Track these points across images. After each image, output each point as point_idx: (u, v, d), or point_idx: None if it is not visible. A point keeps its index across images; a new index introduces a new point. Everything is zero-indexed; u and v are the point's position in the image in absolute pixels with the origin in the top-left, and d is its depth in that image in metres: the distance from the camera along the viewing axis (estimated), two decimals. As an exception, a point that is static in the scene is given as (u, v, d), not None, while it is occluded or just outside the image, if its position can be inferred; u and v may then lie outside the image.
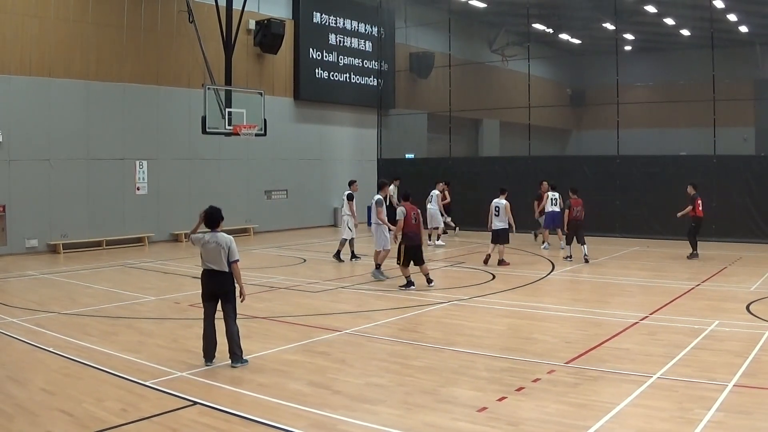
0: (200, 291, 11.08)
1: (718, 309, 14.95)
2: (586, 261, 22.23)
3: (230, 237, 10.84)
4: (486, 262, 21.81)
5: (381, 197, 20.42)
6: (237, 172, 31.95)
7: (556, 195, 25.39)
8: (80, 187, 26.57)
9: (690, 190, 22.62)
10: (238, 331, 10.78)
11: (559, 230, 24.79)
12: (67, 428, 8.18)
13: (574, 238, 22.64)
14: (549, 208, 25.42)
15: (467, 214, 30.95)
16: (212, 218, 10.98)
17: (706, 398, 8.94)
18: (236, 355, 10.69)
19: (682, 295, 16.60)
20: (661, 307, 15.05)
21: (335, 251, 23.13)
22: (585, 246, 22.49)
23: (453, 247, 26.72)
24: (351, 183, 23.81)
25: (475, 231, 30.01)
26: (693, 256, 22.34)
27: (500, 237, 21.90)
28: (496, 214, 21.94)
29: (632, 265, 21.93)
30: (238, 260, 10.84)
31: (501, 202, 22.04)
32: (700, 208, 22.42)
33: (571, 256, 22.78)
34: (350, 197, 22.97)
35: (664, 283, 18.34)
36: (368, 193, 27.24)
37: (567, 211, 22.80)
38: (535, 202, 26.88)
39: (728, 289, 17.43)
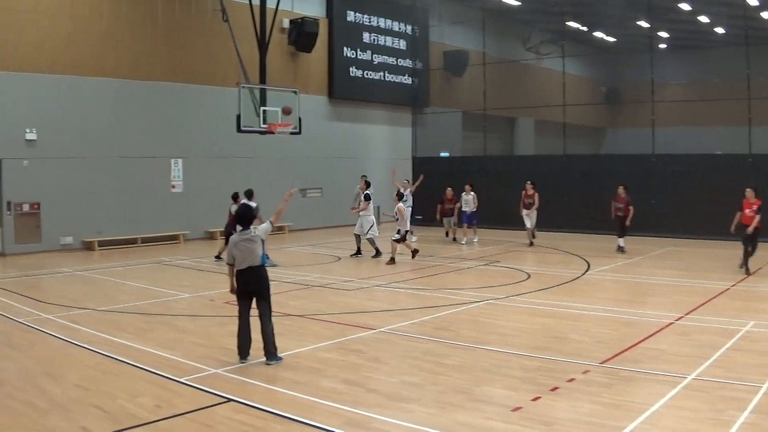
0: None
1: (753, 310, 14.81)
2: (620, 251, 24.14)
3: (258, 228, 11.12)
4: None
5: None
6: (271, 171, 32.02)
7: None
8: (115, 184, 26.78)
9: (752, 194, 19.87)
10: (273, 329, 10.80)
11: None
12: (100, 424, 8.23)
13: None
14: None
15: (501, 213, 30.78)
16: (244, 218, 11.08)
17: (740, 399, 8.84)
18: (271, 352, 10.70)
19: (718, 295, 16.42)
20: (696, 308, 14.89)
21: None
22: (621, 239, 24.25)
23: (488, 245, 26.59)
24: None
25: (508, 230, 29.90)
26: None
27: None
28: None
29: (667, 265, 21.70)
30: (271, 225, 11.57)
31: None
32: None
33: (623, 249, 24.14)
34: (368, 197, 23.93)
35: (699, 284, 18.15)
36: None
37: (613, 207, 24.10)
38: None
39: (764, 290, 17.24)
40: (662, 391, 9.21)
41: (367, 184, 24.44)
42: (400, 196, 23.33)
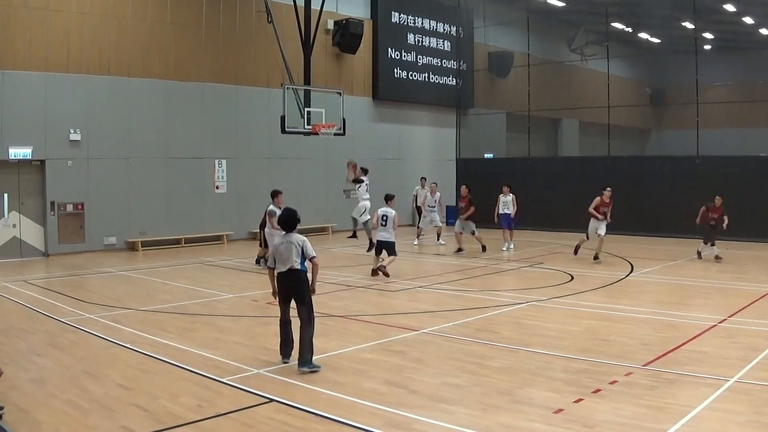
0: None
1: (799, 312, 14.58)
2: (718, 259, 22.35)
3: (303, 237, 10.77)
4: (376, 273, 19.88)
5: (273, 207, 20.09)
6: (316, 172, 32.12)
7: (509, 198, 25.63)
8: (159, 185, 27.00)
9: None
10: (312, 335, 10.54)
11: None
12: (142, 423, 8.24)
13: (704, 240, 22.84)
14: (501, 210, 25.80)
15: (546, 215, 30.63)
16: (290, 221, 10.90)
17: (784, 403, 8.73)
18: (306, 359, 10.43)
19: (762, 297, 16.20)
20: (740, 310, 14.72)
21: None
22: (714, 247, 22.43)
23: (532, 247, 26.43)
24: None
25: (552, 232, 29.73)
26: None
27: (387, 249, 19.95)
28: (383, 224, 20.06)
29: (711, 267, 21.43)
30: (315, 257, 10.79)
31: (390, 211, 20.29)
32: None
33: (700, 255, 22.97)
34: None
35: (744, 286, 17.96)
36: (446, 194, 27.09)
37: (702, 210, 22.79)
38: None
39: (812, 293, 17.00)
40: (705, 394, 9.11)
41: (364, 171, 24.93)
42: (388, 198, 21.08)
